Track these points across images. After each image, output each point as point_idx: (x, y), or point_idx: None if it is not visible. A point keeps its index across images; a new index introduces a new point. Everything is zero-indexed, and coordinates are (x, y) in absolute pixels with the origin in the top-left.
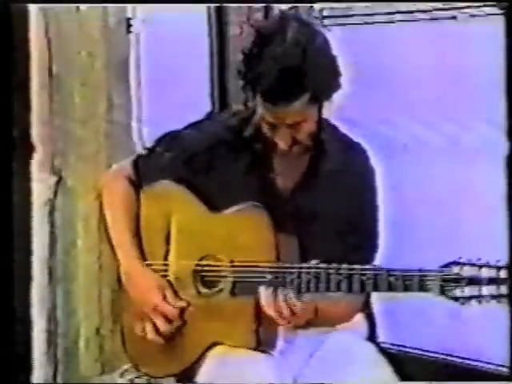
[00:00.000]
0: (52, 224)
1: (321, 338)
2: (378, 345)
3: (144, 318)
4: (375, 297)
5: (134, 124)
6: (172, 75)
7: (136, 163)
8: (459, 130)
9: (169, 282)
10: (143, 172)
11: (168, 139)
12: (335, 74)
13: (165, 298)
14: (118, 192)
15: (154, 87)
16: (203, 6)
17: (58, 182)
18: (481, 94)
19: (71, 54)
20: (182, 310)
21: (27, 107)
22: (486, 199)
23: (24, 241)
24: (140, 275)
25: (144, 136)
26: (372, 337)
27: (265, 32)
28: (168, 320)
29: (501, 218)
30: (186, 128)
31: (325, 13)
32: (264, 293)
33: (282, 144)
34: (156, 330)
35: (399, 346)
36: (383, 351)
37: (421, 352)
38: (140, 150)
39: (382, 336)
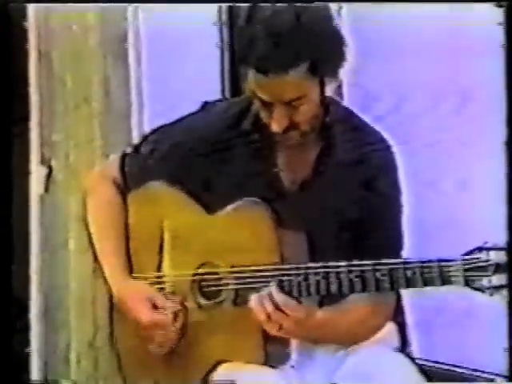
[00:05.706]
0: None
1: (343, 351)
2: (411, 357)
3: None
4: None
5: (133, 110)
6: (177, 54)
7: (122, 163)
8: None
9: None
10: (130, 173)
11: (157, 135)
12: (338, 42)
13: (155, 307)
14: (103, 199)
15: (156, 68)
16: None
17: (49, 176)
18: (481, 90)
19: (61, 29)
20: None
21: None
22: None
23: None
24: (127, 291)
25: (144, 124)
26: (403, 348)
27: None
28: (164, 330)
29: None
30: (177, 122)
31: None
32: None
33: (276, 126)
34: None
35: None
36: (417, 365)
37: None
38: (133, 144)
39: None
